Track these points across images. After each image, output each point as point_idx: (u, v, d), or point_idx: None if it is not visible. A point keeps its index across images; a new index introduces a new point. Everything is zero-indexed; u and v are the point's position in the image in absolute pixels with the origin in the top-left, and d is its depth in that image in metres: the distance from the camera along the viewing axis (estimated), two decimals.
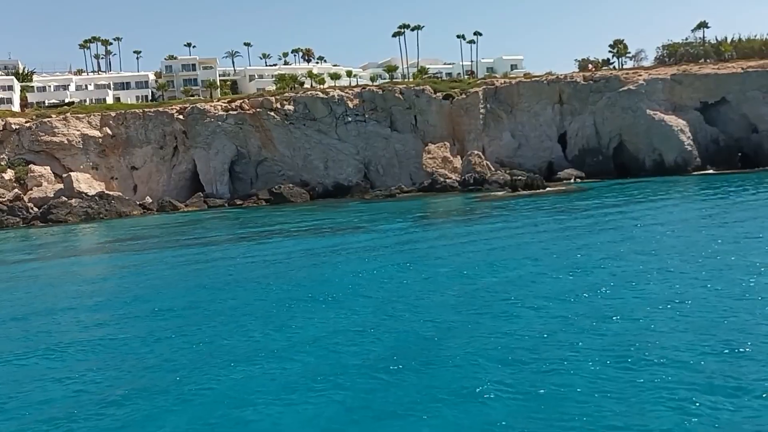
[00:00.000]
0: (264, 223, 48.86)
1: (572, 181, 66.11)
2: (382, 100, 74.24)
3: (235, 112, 72.94)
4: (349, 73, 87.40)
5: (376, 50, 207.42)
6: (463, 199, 56.82)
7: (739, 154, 66.07)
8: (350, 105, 73.19)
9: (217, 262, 31.07)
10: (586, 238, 30.19)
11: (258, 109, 72.68)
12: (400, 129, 74.36)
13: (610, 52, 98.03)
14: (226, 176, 72.70)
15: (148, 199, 70.11)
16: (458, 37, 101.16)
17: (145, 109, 74.84)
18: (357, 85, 79.58)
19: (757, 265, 21.06)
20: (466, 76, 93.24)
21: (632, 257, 24.29)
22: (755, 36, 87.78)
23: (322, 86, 79.90)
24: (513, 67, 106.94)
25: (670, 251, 24.86)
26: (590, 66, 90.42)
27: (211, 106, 74.12)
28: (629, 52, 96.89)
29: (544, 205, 46.69)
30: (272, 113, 72.35)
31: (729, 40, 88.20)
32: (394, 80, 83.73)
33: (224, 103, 75.69)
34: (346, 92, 74.41)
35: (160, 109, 75.04)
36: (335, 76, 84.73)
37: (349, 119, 73.13)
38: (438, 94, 74.01)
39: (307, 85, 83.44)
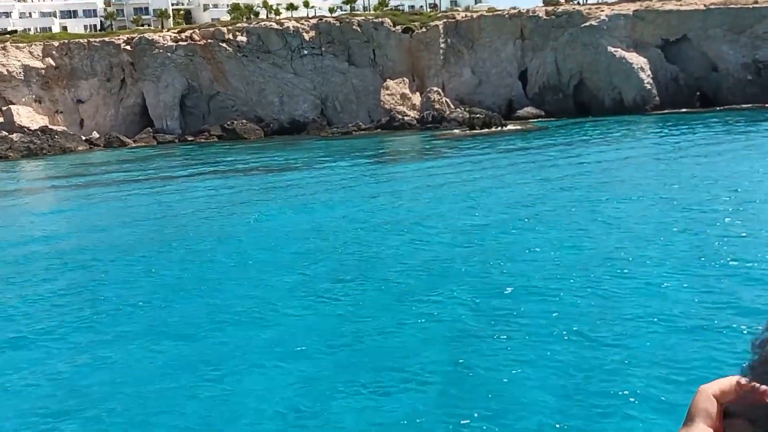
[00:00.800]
0: (211, 160, 46.74)
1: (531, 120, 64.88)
2: (340, 32, 71.13)
3: (185, 44, 69.26)
4: (306, 4, 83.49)
5: None
6: (419, 138, 55.20)
7: (698, 93, 65.20)
8: (306, 37, 69.99)
9: (154, 199, 29.27)
10: (522, 176, 29.09)
11: (209, 41, 69.10)
12: (358, 64, 71.62)
13: None
14: (177, 111, 69.61)
15: (95, 134, 66.98)
16: None
17: (90, 39, 70.59)
18: (313, 17, 76.06)
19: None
20: (429, 9, 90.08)
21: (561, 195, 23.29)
22: None
23: (277, 17, 76.24)
24: (477, 0, 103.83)
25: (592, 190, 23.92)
26: None
27: (159, 36, 70.21)
28: None
29: (499, 144, 45.43)
30: (224, 45, 68.87)
31: None
32: (353, 12, 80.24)
33: (174, 33, 71.78)
34: (302, 24, 71.05)
35: (107, 39, 70.93)
36: (292, 7, 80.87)
37: (305, 52, 70.07)
38: (397, 27, 71.11)
39: (262, 16, 79.62)
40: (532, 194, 25.76)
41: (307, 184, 31.93)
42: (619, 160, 34.14)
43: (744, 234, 17.44)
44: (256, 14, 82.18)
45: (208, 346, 11.96)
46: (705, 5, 66.32)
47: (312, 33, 70.24)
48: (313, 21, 71.95)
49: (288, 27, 69.86)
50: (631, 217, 20.37)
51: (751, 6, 64.92)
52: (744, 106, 61.18)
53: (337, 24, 71.36)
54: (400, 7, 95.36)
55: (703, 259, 15.51)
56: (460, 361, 10.74)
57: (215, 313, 13.74)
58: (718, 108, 62.34)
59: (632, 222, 19.90)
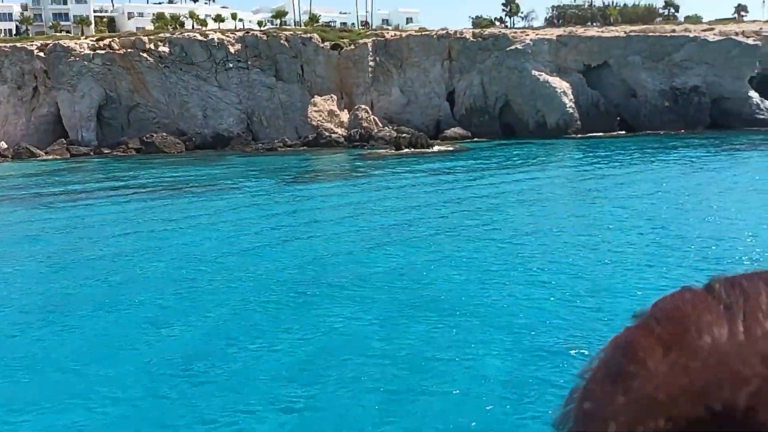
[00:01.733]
0: (120, 175, 43.80)
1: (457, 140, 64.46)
2: (267, 46, 69.10)
3: (103, 52, 65.70)
4: (234, 16, 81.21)
5: None
6: (345, 156, 53.73)
7: (618, 118, 66.36)
8: (232, 50, 67.62)
9: (38, 217, 26.54)
10: (435, 196, 27.97)
11: (129, 50, 65.79)
12: (285, 79, 69.72)
13: (503, 10, 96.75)
14: (93, 122, 65.87)
15: (3, 145, 62.53)
16: None
17: (1, 44, 66.14)
18: (239, 29, 73.79)
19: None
20: (360, 27, 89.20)
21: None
22: (639, 2, 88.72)
23: (203, 28, 73.58)
24: (409, 20, 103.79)
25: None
26: None
27: (76, 43, 66.45)
28: (521, 12, 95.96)
29: (422, 164, 44.42)
30: (145, 55, 65.71)
31: (614, 5, 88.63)
32: (281, 26, 78.41)
33: (91, 41, 68.10)
34: (228, 36, 68.65)
35: (18, 44, 66.60)
36: (219, 19, 78.37)
37: (231, 66, 67.67)
38: (326, 43, 69.67)
39: (188, 27, 76.79)
40: (438, 215, 24.67)
41: (212, 204, 29.85)
42: (534, 181, 33.60)
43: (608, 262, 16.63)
44: (182, 25, 79.30)
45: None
46: (625, 33, 67.77)
47: (238, 46, 67.94)
48: (240, 34, 69.69)
49: (213, 39, 67.35)
50: (526, 246, 19.39)
51: (668, 35, 66.71)
52: (661, 132, 62.56)
53: (265, 38, 69.33)
54: (332, 24, 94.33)
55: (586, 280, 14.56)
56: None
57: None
58: (636, 133, 63.55)
59: (521, 247, 18.94)
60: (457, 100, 69.85)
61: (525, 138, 63.67)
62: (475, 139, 64.30)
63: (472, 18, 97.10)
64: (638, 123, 65.54)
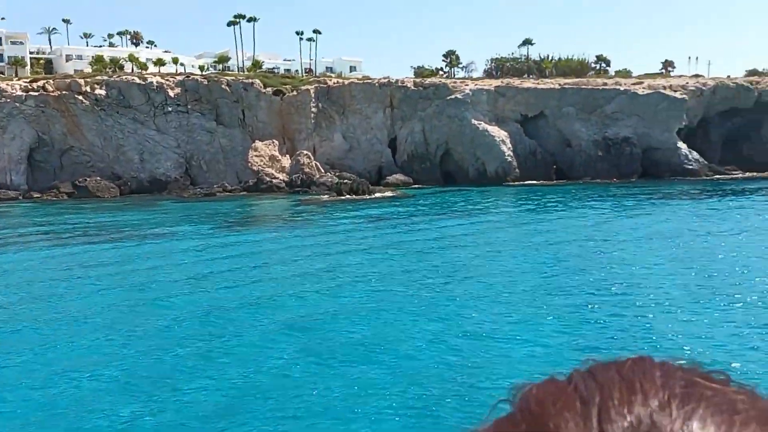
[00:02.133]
0: (43, 221, 41.66)
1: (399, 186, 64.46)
2: (208, 91, 68.24)
3: (36, 94, 63.55)
4: (175, 61, 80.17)
5: (217, 41, 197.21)
6: (284, 202, 52.77)
7: (554, 166, 67.79)
8: (171, 94, 66.46)
9: None
10: (369, 242, 27.37)
11: (64, 92, 63.82)
12: (226, 123, 68.82)
13: (443, 61, 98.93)
14: (24, 165, 63.24)
15: None
16: (297, 33, 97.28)
17: None
18: (179, 73, 72.80)
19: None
20: (304, 74, 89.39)
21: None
22: (573, 56, 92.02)
23: (142, 72, 72.32)
24: (352, 68, 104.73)
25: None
26: None
27: (7, 84, 64.12)
28: (461, 63, 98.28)
29: (361, 211, 43.89)
30: (80, 97, 63.85)
31: (550, 59, 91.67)
32: (223, 71, 77.79)
33: (24, 82, 65.86)
34: (167, 80, 67.54)
35: None
36: (160, 62, 77.22)
37: (170, 109, 66.40)
38: (268, 89, 69.31)
39: (128, 70, 75.35)
40: (372, 261, 24.00)
41: (133, 251, 28.42)
42: (472, 227, 33.46)
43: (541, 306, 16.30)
44: (121, 68, 77.83)
45: None
46: (560, 85, 69.86)
47: (178, 90, 66.85)
48: (180, 78, 68.66)
49: (151, 82, 66.10)
50: (455, 296, 18.87)
51: (600, 88, 69.07)
52: (595, 180, 64.12)
53: (205, 82, 68.51)
54: (275, 70, 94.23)
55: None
56: None
57: None
58: (572, 181, 64.96)
59: (441, 295, 18.43)
60: (399, 147, 70.21)
61: (465, 185, 64.26)
62: (417, 186, 64.48)
63: (414, 68, 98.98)
64: (573, 171, 67.07)
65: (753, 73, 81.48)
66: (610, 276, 21.18)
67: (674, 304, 17.38)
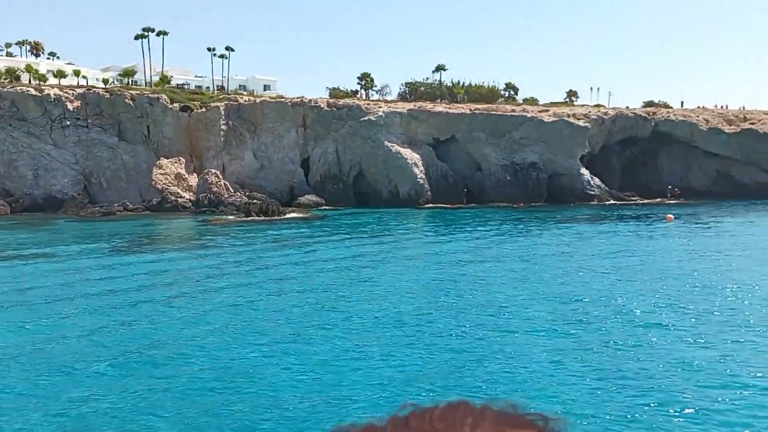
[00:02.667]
0: None
1: (312, 207, 62.98)
2: (110, 105, 64.70)
3: None
4: (77, 73, 75.74)
5: (126, 56, 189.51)
6: (188, 223, 50.16)
7: (465, 190, 68.28)
8: (70, 107, 62.51)
9: None
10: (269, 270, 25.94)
11: None
12: (130, 139, 65.39)
13: (358, 83, 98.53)
14: None
15: None
16: (209, 50, 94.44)
17: None
18: (79, 86, 68.78)
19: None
20: (216, 91, 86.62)
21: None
22: (483, 83, 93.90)
23: (40, 83, 67.76)
24: (267, 87, 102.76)
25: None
26: None
27: None
28: (376, 86, 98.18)
29: (269, 232, 42.17)
30: None
31: (461, 84, 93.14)
32: (128, 86, 74.17)
33: None
34: (66, 92, 63.55)
35: None
36: (60, 74, 72.69)
37: (68, 123, 62.39)
38: (175, 104, 66.48)
39: (25, 81, 70.38)
40: (271, 283, 22.53)
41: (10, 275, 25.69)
42: (379, 246, 32.57)
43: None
44: (18, 78, 72.70)
45: None
46: (470, 110, 70.74)
47: (77, 103, 63.00)
48: (80, 91, 64.77)
49: (48, 94, 61.97)
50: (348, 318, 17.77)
51: (509, 114, 70.42)
52: (503, 204, 65.01)
53: (108, 96, 64.93)
54: (185, 86, 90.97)
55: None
56: None
57: None
58: (482, 204, 65.58)
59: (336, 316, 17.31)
60: (312, 167, 68.85)
61: (378, 207, 63.59)
62: (329, 207, 63.24)
63: (330, 89, 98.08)
64: (484, 195, 67.79)
65: (649, 104, 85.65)
66: (485, 302, 20.71)
67: (533, 326, 17.02)
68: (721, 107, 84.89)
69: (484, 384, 12.59)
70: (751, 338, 15.92)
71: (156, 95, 66.55)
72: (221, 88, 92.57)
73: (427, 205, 64.34)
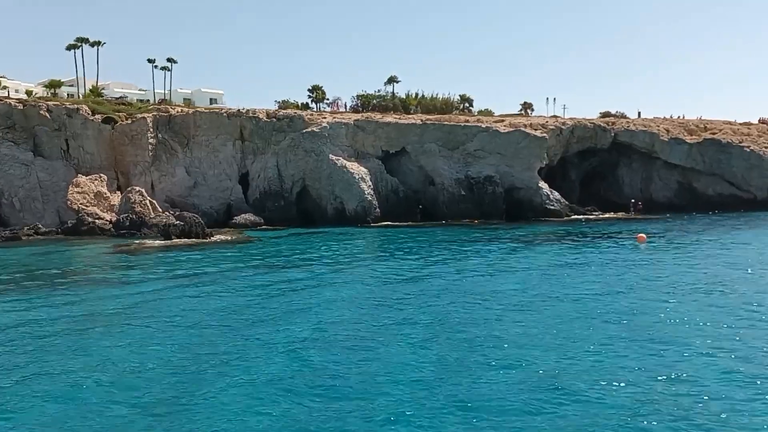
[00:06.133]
0: None
1: (250, 226, 54.94)
2: (23, 117, 56.00)
3: None
4: None
5: (62, 68, 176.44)
6: (95, 250, 41.57)
7: (420, 207, 61.06)
8: None
9: None
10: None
11: None
12: (46, 155, 56.72)
13: (309, 96, 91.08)
14: None
15: None
16: (149, 61, 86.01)
17: None
18: None
19: None
20: (157, 104, 78.06)
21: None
22: (437, 95, 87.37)
23: None
24: (213, 101, 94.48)
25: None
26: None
27: None
28: (327, 99, 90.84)
29: (177, 261, 34.19)
30: None
31: (415, 96, 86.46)
32: (46, 97, 65.29)
33: None
34: None
35: None
36: None
37: None
38: (97, 116, 57.98)
39: None
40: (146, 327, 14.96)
41: None
42: (309, 279, 25.19)
43: None
44: None
45: None
46: (422, 120, 63.80)
47: None
48: None
49: None
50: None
51: (462, 124, 63.67)
52: (460, 221, 57.98)
53: (20, 107, 56.16)
54: (124, 99, 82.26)
55: None
56: None
57: None
58: (436, 221, 58.42)
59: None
60: (251, 183, 60.89)
61: (323, 226, 55.92)
62: (268, 227, 55.30)
63: (278, 102, 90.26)
64: (438, 211, 60.69)
65: (606, 114, 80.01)
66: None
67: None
68: (678, 117, 79.73)
69: None
70: None
71: (75, 106, 57.98)
72: (163, 101, 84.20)
73: (376, 224, 56.87)
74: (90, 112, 57.76)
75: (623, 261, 31.80)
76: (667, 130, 69.18)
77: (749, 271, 27.61)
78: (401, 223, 57.30)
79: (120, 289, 26.35)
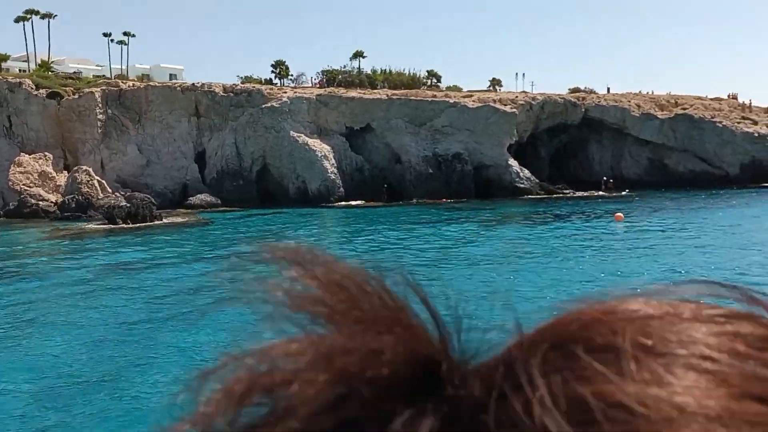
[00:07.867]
0: None
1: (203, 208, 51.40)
2: None
3: None
4: None
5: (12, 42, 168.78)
6: (31, 235, 37.78)
7: (386, 185, 57.98)
8: None
9: None
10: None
11: None
12: None
13: (272, 72, 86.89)
14: None
15: None
16: (105, 35, 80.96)
17: None
18: None
19: None
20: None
21: None
22: (404, 70, 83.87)
23: None
24: (173, 77, 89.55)
25: None
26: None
27: None
28: (291, 75, 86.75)
29: (120, 249, 30.81)
30: None
31: (381, 71, 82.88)
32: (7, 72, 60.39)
33: None
34: None
35: None
36: None
37: None
38: (42, 90, 53.58)
39: None
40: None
41: None
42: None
43: None
44: None
45: None
46: (388, 96, 60.53)
47: None
48: None
49: None
50: None
51: (429, 99, 60.57)
52: (427, 200, 55.08)
53: None
54: (79, 74, 77.18)
55: None
56: None
57: None
58: (403, 201, 55.48)
59: None
60: (209, 161, 57.17)
61: (284, 206, 52.53)
62: (225, 208, 51.75)
63: (241, 77, 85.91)
64: (405, 190, 57.71)
65: (576, 90, 77.55)
66: None
67: None
68: (648, 93, 77.61)
69: None
70: None
71: (17, 80, 53.48)
72: (120, 78, 79.39)
73: (340, 203, 53.71)
74: (34, 87, 53.34)
75: (601, 241, 29.33)
76: (638, 106, 66.99)
77: (729, 251, 25.33)
78: (366, 203, 54.25)
79: (40, 280, 23.00)
